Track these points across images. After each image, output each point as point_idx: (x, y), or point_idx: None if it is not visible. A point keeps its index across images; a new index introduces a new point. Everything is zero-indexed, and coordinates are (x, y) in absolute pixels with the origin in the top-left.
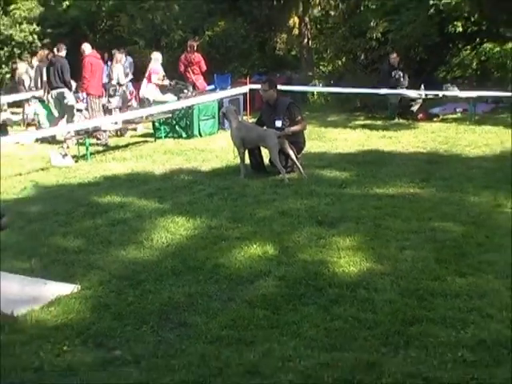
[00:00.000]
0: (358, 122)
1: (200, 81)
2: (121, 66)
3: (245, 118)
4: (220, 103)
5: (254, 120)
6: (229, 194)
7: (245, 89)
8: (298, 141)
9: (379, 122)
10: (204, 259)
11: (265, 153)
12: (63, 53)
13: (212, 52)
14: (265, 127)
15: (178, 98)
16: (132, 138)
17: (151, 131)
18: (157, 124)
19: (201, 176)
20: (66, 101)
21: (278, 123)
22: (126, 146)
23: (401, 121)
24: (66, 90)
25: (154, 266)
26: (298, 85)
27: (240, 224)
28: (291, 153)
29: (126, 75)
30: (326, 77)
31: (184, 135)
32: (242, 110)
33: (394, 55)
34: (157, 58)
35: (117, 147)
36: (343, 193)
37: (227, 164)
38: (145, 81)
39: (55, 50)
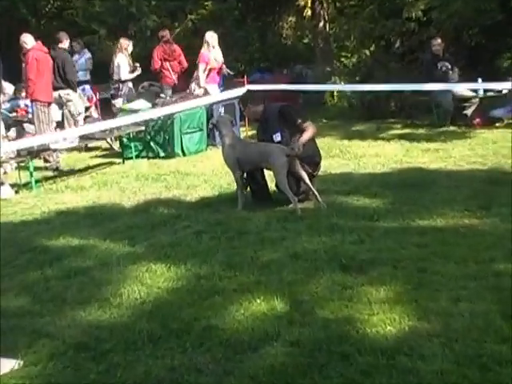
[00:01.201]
0: (393, 132)
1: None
2: (125, 57)
3: (242, 129)
4: (209, 111)
5: (254, 132)
6: (223, 232)
7: (242, 91)
8: (311, 155)
9: (422, 131)
10: (191, 320)
11: (269, 175)
12: (65, 44)
13: (197, 42)
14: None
15: (153, 106)
16: (92, 159)
17: (118, 150)
18: (125, 140)
19: (185, 208)
20: (68, 108)
21: (277, 137)
22: (85, 169)
23: (451, 128)
24: (70, 92)
25: (124, 330)
26: (311, 83)
27: (238, 272)
28: (304, 175)
29: (85, 73)
30: (349, 72)
31: (162, 154)
32: (238, 119)
33: (439, 41)
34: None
35: (72, 172)
36: (375, 227)
37: (220, 192)
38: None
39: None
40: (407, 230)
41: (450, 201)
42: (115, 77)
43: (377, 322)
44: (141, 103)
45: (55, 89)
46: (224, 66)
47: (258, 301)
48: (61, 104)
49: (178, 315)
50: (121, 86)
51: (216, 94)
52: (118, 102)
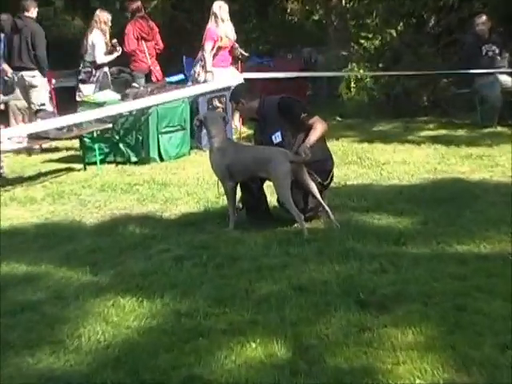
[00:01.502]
0: (424, 133)
1: (158, 68)
2: (101, 34)
3: (235, 128)
4: (194, 105)
5: (251, 132)
6: (210, 258)
7: (236, 80)
8: (321, 161)
9: (461, 132)
10: (169, 369)
11: (269, 187)
12: (33, 13)
13: (178, 18)
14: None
15: (123, 97)
16: (45, 164)
17: (78, 152)
18: (88, 141)
19: (163, 227)
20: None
21: (277, 138)
22: (36, 177)
23: (498, 129)
24: (37, 75)
25: (83, 381)
26: (322, 71)
27: (229, 308)
28: (313, 186)
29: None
30: (370, 57)
31: (134, 159)
32: (230, 115)
33: (484, 18)
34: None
35: (19, 180)
36: (401, 253)
37: (206, 207)
38: None
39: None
40: (442, 258)
41: (497, 221)
42: (87, 58)
43: (403, 374)
44: (108, 94)
45: (17, 69)
46: (236, 44)
47: (254, 345)
48: (24, 88)
49: (153, 363)
50: (94, 70)
51: (203, 84)
52: (88, 90)
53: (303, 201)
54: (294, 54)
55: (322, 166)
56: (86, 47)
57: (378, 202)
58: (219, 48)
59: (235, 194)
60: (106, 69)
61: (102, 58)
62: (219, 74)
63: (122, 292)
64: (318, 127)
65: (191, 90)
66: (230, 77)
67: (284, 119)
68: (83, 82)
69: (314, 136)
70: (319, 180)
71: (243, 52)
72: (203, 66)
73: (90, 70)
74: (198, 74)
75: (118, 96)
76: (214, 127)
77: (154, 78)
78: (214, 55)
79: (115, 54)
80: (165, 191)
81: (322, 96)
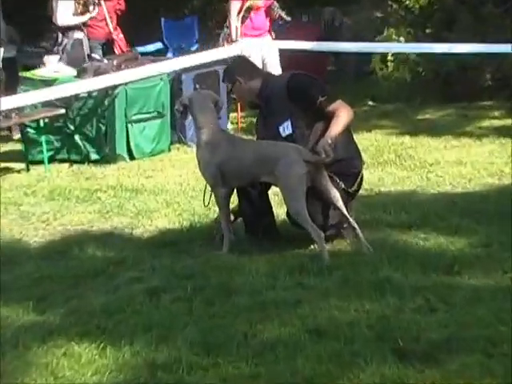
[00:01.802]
0: (487, 123)
1: (121, 36)
2: None
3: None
4: (176, 85)
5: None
6: (196, 290)
7: (232, 51)
8: (346, 159)
9: None
10: None
11: (275, 195)
12: None
13: None
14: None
15: (80, 73)
16: None
17: (19, 147)
18: (31, 132)
19: (133, 249)
20: None
21: (286, 129)
22: None
23: None
24: None
25: None
26: (349, 40)
27: (221, 358)
28: (335, 195)
29: None
30: (413, 21)
31: (94, 156)
32: (225, 99)
33: None
34: None
35: None
36: (455, 285)
37: (192, 222)
38: None
39: None
40: (511, 292)
41: None
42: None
43: None
44: (59, 68)
45: None
46: (275, 3)
47: None
48: None
49: None
50: (60, 36)
51: (188, 57)
52: (51, 62)
53: (322, 214)
54: (311, 15)
55: (348, 167)
56: (52, 6)
57: (424, 215)
58: (249, 9)
59: (229, 204)
60: (78, 35)
61: (66, 19)
62: (250, 46)
63: (78, 336)
64: (342, 115)
65: (172, 63)
66: (265, 49)
67: (295, 104)
68: (47, 52)
69: (336, 127)
70: (344, 186)
71: (283, 15)
72: (229, 36)
73: (55, 36)
74: (223, 44)
75: (72, 71)
76: (202, 114)
77: (116, 49)
78: (243, 19)
79: (87, 16)
80: (136, 200)
81: (348, 72)
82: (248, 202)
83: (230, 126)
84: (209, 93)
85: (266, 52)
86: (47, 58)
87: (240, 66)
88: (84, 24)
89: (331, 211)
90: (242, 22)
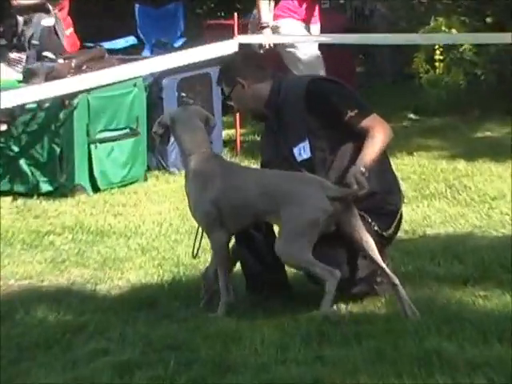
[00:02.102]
0: None
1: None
2: None
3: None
4: (154, 92)
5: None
6: (181, 366)
7: (227, 47)
8: (380, 192)
9: None
10: None
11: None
12: None
13: None
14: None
15: (27, 77)
16: None
17: None
18: None
19: (97, 311)
20: None
21: (302, 150)
22: None
23: None
24: None
25: None
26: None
27: None
28: (367, 240)
29: None
30: (469, 7)
31: (46, 187)
32: (219, 112)
33: None
34: None
35: None
36: None
37: (175, 275)
38: None
39: None
40: None
41: None
42: None
43: None
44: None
45: None
46: None
47: None
48: None
49: None
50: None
51: (170, 55)
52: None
53: (349, 265)
54: (333, 1)
55: (383, 203)
56: None
57: (484, 266)
58: None
59: (227, 252)
60: (47, 21)
61: None
62: (288, 30)
63: None
64: (378, 136)
65: (149, 64)
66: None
67: (316, 119)
68: (16, 48)
69: (371, 151)
70: (377, 228)
71: None
72: (259, 20)
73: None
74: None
75: (16, 74)
76: (189, 137)
77: (66, 46)
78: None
79: None
80: (101, 246)
81: (383, 75)
82: (250, 248)
83: (225, 150)
84: (196, 109)
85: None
86: (10, 57)
87: (242, 64)
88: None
89: (360, 260)
90: (276, 3)
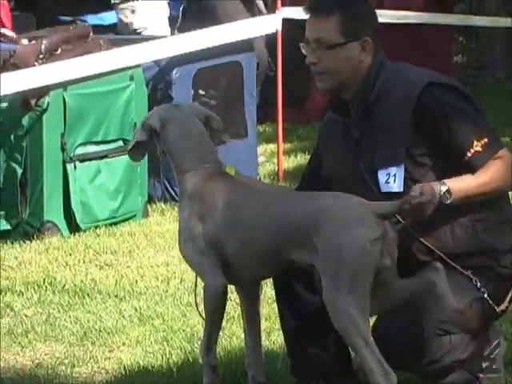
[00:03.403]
0: None
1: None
2: None
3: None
4: (159, 88)
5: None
6: None
7: (268, 24)
8: (486, 251)
9: None
10: None
11: None
12: None
13: None
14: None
15: None
16: None
17: None
18: None
19: None
20: None
21: (391, 178)
22: None
23: None
24: None
25: None
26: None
27: None
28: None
29: None
30: None
31: (1, 225)
32: (253, 118)
33: None
34: None
35: None
36: None
37: (189, 354)
38: None
39: None
40: None
41: None
42: None
43: None
44: None
45: None
46: None
47: None
48: None
49: None
50: None
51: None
52: None
53: (427, 356)
54: None
55: (492, 264)
56: None
57: None
58: None
59: (223, 305)
60: None
61: None
62: None
63: None
64: (491, 171)
65: (152, 46)
66: None
67: (424, 142)
68: None
69: (469, 181)
70: (487, 296)
71: None
72: None
73: None
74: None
75: None
76: (186, 145)
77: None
78: None
79: None
80: (81, 311)
81: (494, 68)
82: (295, 315)
83: (260, 172)
84: (194, 107)
85: None
86: None
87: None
88: None
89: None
90: None
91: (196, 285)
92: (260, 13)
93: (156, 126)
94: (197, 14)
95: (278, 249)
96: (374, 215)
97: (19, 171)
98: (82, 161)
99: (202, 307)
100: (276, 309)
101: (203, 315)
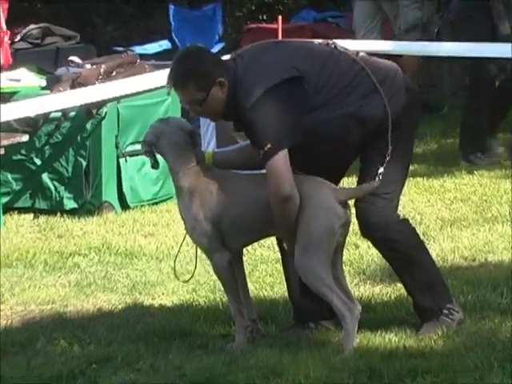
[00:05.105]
0: None
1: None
2: None
3: None
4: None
5: None
6: None
7: None
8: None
9: None
10: None
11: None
12: None
13: None
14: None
15: (51, 83)
16: None
17: None
18: None
19: (124, 339)
20: None
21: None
22: None
23: None
24: None
25: None
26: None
27: None
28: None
29: None
30: None
31: (70, 204)
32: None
33: None
34: None
35: None
36: None
37: (211, 300)
38: None
39: None
40: None
41: None
42: None
43: None
44: (21, 75)
45: None
46: None
47: None
48: None
49: None
50: None
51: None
52: None
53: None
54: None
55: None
56: None
57: None
58: None
59: (233, 273)
60: None
61: None
62: None
63: None
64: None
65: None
66: None
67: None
68: None
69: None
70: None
71: None
72: None
73: None
74: None
75: (40, 81)
76: (173, 153)
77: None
78: None
79: None
80: (130, 269)
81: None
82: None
83: None
84: (178, 121)
85: None
86: None
87: (211, 63)
88: None
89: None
90: None
91: (177, 255)
92: None
93: (152, 140)
94: None
95: (261, 225)
96: (341, 204)
97: (84, 163)
98: (131, 156)
99: (179, 271)
100: (277, 267)
101: (178, 277)
